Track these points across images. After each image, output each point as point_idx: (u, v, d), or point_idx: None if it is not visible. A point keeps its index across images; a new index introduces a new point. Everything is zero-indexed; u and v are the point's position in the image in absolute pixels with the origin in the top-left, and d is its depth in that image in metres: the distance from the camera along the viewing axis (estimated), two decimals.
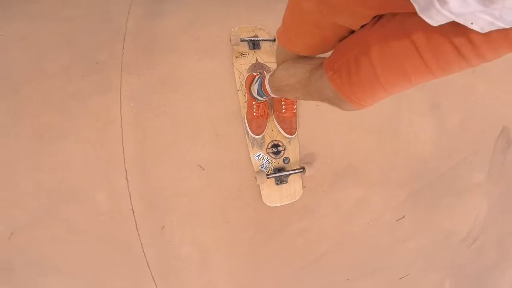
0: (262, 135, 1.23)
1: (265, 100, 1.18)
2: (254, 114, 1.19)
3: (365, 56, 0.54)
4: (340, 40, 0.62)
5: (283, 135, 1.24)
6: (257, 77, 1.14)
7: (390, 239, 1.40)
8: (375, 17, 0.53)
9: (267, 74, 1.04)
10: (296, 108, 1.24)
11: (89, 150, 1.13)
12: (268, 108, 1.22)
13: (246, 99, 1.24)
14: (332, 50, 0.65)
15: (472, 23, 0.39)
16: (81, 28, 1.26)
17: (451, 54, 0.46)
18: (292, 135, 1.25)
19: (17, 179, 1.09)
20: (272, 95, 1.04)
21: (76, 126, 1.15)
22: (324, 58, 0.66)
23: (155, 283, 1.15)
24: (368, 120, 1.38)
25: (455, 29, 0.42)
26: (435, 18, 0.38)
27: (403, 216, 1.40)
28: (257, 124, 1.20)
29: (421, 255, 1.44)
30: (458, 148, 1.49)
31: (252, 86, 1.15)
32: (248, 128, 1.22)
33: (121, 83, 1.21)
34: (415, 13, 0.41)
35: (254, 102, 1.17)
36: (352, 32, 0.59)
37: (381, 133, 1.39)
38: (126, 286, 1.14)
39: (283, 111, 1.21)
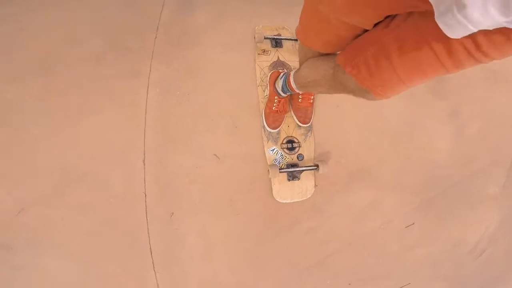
0: (277, 129, 1.24)
1: (287, 96, 1.19)
2: (273, 108, 1.20)
3: (383, 55, 0.57)
4: (355, 38, 0.64)
5: (296, 123, 1.25)
6: (282, 73, 1.17)
7: (398, 245, 1.36)
8: (388, 16, 0.56)
9: (292, 71, 1.07)
10: (313, 99, 1.25)
11: (112, 131, 1.18)
12: (288, 104, 1.24)
13: (266, 94, 1.26)
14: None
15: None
16: (118, 16, 1.32)
17: (462, 55, 0.49)
18: (305, 124, 1.25)
19: (37, 154, 1.13)
20: (297, 91, 1.07)
21: (102, 107, 1.20)
22: None
23: (154, 271, 1.14)
24: (385, 123, 1.36)
25: None
26: (449, 24, 0.39)
27: (413, 223, 1.36)
28: (273, 118, 1.22)
29: (427, 264, 1.39)
30: (475, 157, 1.44)
31: (276, 82, 1.17)
32: (264, 122, 1.23)
33: (150, 70, 1.26)
34: (428, 13, 0.43)
35: (276, 97, 1.19)
36: (366, 30, 0.61)
37: (397, 137, 1.37)
38: (124, 274, 1.13)
39: (299, 100, 1.23)
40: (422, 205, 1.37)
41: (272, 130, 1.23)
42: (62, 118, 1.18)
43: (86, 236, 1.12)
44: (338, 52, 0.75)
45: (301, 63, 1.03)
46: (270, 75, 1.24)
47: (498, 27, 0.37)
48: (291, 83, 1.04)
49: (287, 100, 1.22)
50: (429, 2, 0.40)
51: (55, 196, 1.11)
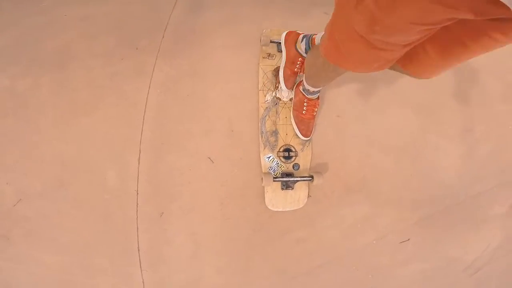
0: (309, 138, 1.17)
1: (317, 100, 1.12)
2: (303, 113, 1.12)
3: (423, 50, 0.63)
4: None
5: (297, 136, 1.17)
6: (301, 36, 1.07)
7: (390, 260, 1.25)
8: None
9: (318, 34, 0.99)
10: (316, 112, 1.16)
11: (111, 128, 1.16)
12: (315, 111, 1.15)
13: (267, 99, 1.19)
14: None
15: None
16: (132, 14, 1.30)
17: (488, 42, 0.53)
18: (307, 137, 1.16)
19: (41, 146, 1.14)
20: (313, 89, 1.02)
21: (105, 103, 1.19)
22: None
23: (141, 269, 1.12)
24: (389, 137, 1.25)
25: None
26: None
27: (408, 239, 1.25)
28: (306, 124, 1.15)
29: (419, 279, 1.28)
30: (483, 178, 1.29)
31: (297, 43, 1.08)
32: (297, 130, 1.16)
33: (153, 70, 1.23)
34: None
35: (305, 100, 1.11)
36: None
37: (402, 153, 1.25)
38: (112, 268, 1.11)
39: (303, 112, 1.13)
40: (420, 222, 1.26)
41: (305, 138, 1.16)
42: (66, 113, 1.17)
43: (79, 230, 1.11)
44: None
45: (309, 77, 0.96)
46: (286, 35, 1.14)
47: None
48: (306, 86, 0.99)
49: (316, 105, 1.14)
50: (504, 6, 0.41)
51: (53, 189, 1.12)
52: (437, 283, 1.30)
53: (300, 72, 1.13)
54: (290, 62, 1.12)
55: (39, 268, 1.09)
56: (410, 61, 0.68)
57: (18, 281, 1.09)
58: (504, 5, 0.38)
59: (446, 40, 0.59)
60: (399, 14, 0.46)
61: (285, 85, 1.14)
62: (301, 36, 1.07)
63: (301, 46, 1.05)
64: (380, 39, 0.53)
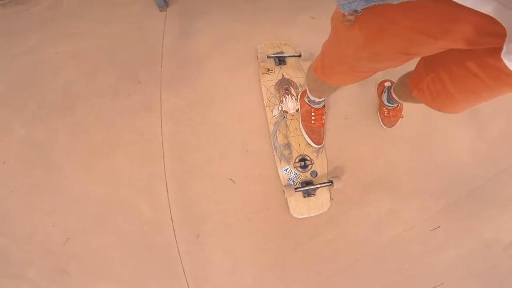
0: (321, 145, 1.18)
1: (324, 108, 1.13)
2: (312, 122, 1.14)
3: (440, 81, 0.60)
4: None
5: (310, 145, 1.18)
6: (386, 88, 1.14)
7: (423, 248, 1.25)
8: None
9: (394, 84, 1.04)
10: (324, 120, 1.17)
11: (134, 164, 1.20)
12: (323, 118, 1.16)
13: (275, 114, 1.20)
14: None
15: None
16: (123, 47, 1.30)
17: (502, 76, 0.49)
18: (319, 145, 1.17)
19: (72, 190, 1.18)
20: (318, 99, 1.04)
21: (123, 142, 1.22)
22: None
23: (188, 287, 1.17)
24: (398, 130, 1.23)
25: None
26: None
27: (438, 226, 1.25)
28: (316, 132, 1.16)
29: (458, 264, 1.27)
30: (497, 158, 1.26)
31: (306, 97, 1.11)
32: (309, 139, 1.17)
33: (161, 102, 1.25)
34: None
35: (313, 110, 1.12)
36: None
37: (413, 143, 1.23)
38: None
39: (312, 121, 1.14)
40: (446, 208, 1.25)
41: (317, 146, 1.17)
42: (87, 157, 1.20)
43: (126, 260, 1.17)
44: None
45: (312, 89, 0.96)
46: (378, 86, 1.22)
47: None
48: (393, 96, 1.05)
49: (324, 113, 1.15)
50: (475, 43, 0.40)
51: (94, 226, 1.17)
52: (478, 266, 1.28)
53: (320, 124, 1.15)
54: (306, 115, 1.14)
55: None
56: (433, 99, 0.66)
57: None
58: (497, 34, 0.37)
59: (461, 74, 0.56)
60: (386, 43, 0.46)
61: (312, 141, 1.16)
62: (385, 89, 1.13)
63: (384, 96, 1.11)
64: (366, 64, 0.55)
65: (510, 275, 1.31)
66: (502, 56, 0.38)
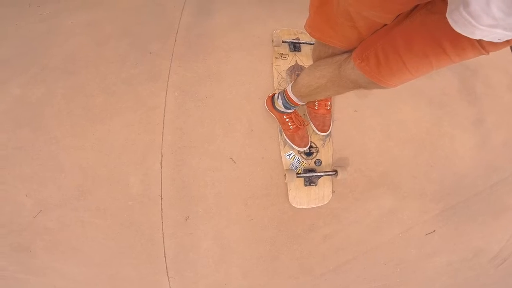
0: (309, 145, 1.08)
1: (295, 110, 1.04)
2: (291, 128, 1.04)
3: (391, 48, 0.55)
4: (372, 33, 0.60)
5: (315, 132, 1.10)
6: (275, 94, 1.03)
7: (417, 253, 1.17)
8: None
9: (288, 85, 0.93)
10: (330, 106, 1.09)
11: (131, 132, 1.07)
12: (301, 116, 1.09)
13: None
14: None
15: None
16: (139, 19, 1.23)
17: (466, 45, 0.48)
18: (324, 132, 1.08)
19: (60, 155, 1.04)
20: (301, 103, 0.94)
21: (123, 109, 1.11)
22: (348, 52, 0.66)
23: (168, 276, 1.02)
24: (406, 130, 1.19)
25: None
26: (456, 19, 0.39)
27: (433, 231, 1.18)
28: (298, 136, 1.06)
29: (446, 272, 1.21)
30: (499, 167, 1.23)
31: (275, 103, 1.02)
32: (293, 145, 1.07)
33: (169, 73, 1.16)
34: (435, 9, 0.48)
35: (285, 116, 1.04)
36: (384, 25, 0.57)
37: (419, 144, 1.19)
38: (138, 277, 1.01)
39: (315, 107, 1.07)
40: (444, 213, 1.19)
41: (304, 149, 1.07)
42: (82, 120, 1.08)
43: (103, 239, 1.01)
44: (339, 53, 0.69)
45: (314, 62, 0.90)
46: (265, 102, 1.09)
47: (502, 37, 0.38)
48: (291, 97, 0.91)
49: (297, 112, 1.06)
50: None
51: (73, 197, 1.01)
52: (465, 275, 1.22)
53: (302, 126, 1.06)
54: (282, 123, 1.07)
55: (62, 281, 0.99)
56: (378, 67, 0.59)
57: None
58: None
59: (420, 41, 0.53)
60: None
61: (295, 145, 1.07)
62: (275, 95, 1.02)
63: (279, 103, 0.99)
64: (355, 11, 0.52)
65: (494, 286, 1.25)
66: (447, 15, 0.39)
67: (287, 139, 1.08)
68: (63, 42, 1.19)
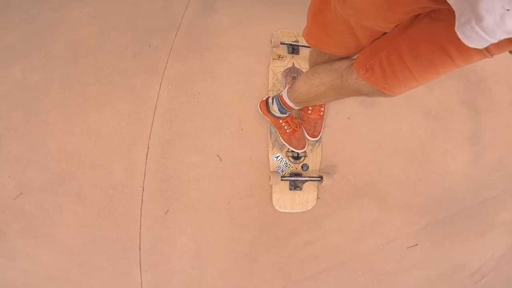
0: (306, 147, 1.05)
1: (289, 113, 1.01)
2: (288, 131, 1.01)
3: (397, 57, 0.53)
4: (373, 41, 0.58)
5: (305, 136, 1.07)
6: (269, 98, 0.99)
7: (396, 266, 1.13)
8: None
9: (284, 90, 0.90)
10: (323, 112, 1.06)
11: (120, 121, 1.06)
12: (296, 118, 1.05)
13: (270, 123, 1.09)
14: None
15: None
16: (144, 12, 1.23)
17: (472, 50, 0.45)
18: (314, 138, 1.05)
19: (48, 138, 1.03)
20: (296, 108, 0.90)
21: (115, 98, 1.09)
22: (348, 59, 0.64)
23: (140, 268, 0.99)
24: (399, 141, 1.15)
25: None
26: (468, 34, 0.36)
27: (415, 244, 1.14)
28: (296, 139, 1.03)
29: (424, 286, 1.16)
30: (490, 184, 1.18)
31: (269, 108, 0.99)
32: (291, 148, 1.04)
33: (165, 67, 1.14)
34: (439, 17, 0.47)
35: (281, 120, 1.00)
36: (385, 33, 0.55)
37: (410, 157, 1.14)
38: (110, 267, 0.98)
39: (309, 111, 1.03)
40: (428, 227, 1.14)
41: (302, 150, 1.05)
42: (75, 107, 1.07)
43: (79, 227, 0.98)
44: (344, 59, 0.66)
45: (311, 68, 0.87)
46: (259, 107, 1.05)
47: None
48: (287, 103, 0.87)
49: (292, 115, 1.03)
50: (445, 2, 0.37)
51: (55, 182, 1.00)
52: None
53: (298, 127, 1.03)
54: (279, 127, 1.03)
55: (33, 266, 0.96)
56: (384, 77, 0.57)
57: (11, 278, 0.95)
58: None
59: (425, 48, 0.51)
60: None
61: (294, 148, 1.04)
62: (270, 99, 0.99)
63: (274, 108, 0.96)
64: (355, 20, 0.50)
65: None
66: (456, 29, 0.37)
67: (284, 142, 1.05)
68: (69, 32, 1.19)
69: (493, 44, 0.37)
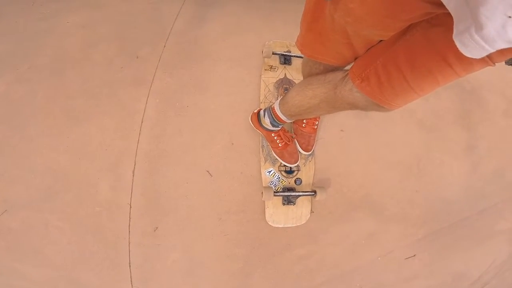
0: (298, 161, 1.00)
1: (282, 126, 0.95)
2: (280, 145, 0.95)
3: (393, 66, 0.49)
4: (368, 49, 0.53)
5: (298, 150, 1.02)
6: (261, 111, 0.93)
7: (395, 277, 1.08)
8: None
9: (275, 102, 0.84)
10: (317, 125, 1.01)
11: (106, 137, 0.99)
12: (288, 131, 1.00)
13: (262, 136, 1.03)
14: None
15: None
16: (134, 24, 1.16)
17: (472, 59, 0.39)
18: (307, 152, 1.00)
19: (33, 154, 0.97)
20: (289, 121, 0.85)
21: (102, 112, 1.03)
22: (342, 70, 0.60)
23: (131, 285, 0.94)
24: (394, 153, 1.09)
25: None
26: (466, 43, 0.33)
27: (414, 255, 1.09)
28: (288, 153, 0.97)
29: None
30: (488, 194, 1.13)
31: (261, 121, 0.93)
32: (283, 162, 0.99)
33: (153, 79, 1.08)
34: (438, 23, 0.42)
35: (273, 134, 0.95)
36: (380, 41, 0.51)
37: (406, 169, 1.09)
38: (100, 284, 0.93)
39: (303, 125, 0.98)
40: (426, 237, 1.09)
41: (294, 165, 0.99)
42: (59, 121, 1.01)
43: (66, 243, 0.92)
44: (330, 70, 0.63)
45: (304, 78, 0.82)
46: (250, 119, 0.99)
47: None
48: (280, 116, 0.81)
49: (285, 128, 0.97)
50: (444, 7, 0.34)
51: (41, 199, 0.94)
52: None
53: (291, 141, 0.97)
54: (271, 141, 0.97)
55: (20, 281, 0.91)
56: (380, 87, 0.52)
57: None
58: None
59: (423, 57, 0.47)
60: (371, 6, 0.40)
61: (286, 162, 0.98)
62: (261, 112, 0.93)
63: (266, 121, 0.90)
64: (353, 29, 0.47)
65: None
66: (454, 37, 0.34)
67: (277, 157, 0.99)
68: (56, 42, 1.13)
69: (496, 51, 0.33)
